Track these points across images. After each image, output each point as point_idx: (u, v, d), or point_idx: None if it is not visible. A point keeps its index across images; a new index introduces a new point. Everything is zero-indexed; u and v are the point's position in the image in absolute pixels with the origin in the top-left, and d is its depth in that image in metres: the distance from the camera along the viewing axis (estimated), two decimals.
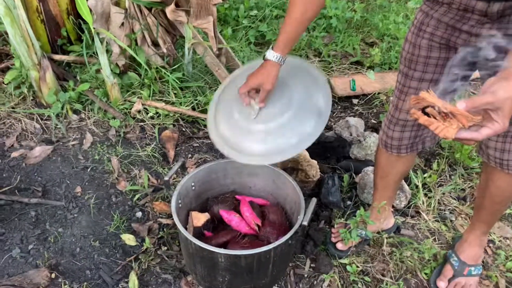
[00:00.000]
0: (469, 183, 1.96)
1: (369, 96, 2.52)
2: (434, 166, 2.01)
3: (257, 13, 2.96)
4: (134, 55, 1.93)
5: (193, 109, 2.24)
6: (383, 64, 2.75)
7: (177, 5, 1.95)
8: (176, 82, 2.23)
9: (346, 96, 2.51)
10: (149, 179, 1.92)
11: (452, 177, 1.99)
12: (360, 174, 1.92)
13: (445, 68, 1.29)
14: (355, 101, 2.52)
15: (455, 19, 1.19)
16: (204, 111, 2.23)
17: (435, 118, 0.85)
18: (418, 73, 1.32)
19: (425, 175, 1.96)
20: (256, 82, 1.36)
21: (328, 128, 2.32)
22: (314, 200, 1.39)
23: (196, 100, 2.26)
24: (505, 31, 1.11)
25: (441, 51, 1.27)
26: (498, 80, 0.85)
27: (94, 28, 1.98)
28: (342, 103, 2.50)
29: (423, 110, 0.87)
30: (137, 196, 1.84)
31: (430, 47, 1.28)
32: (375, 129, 2.28)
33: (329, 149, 2.06)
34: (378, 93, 2.53)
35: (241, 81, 1.41)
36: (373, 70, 2.69)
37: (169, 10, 1.92)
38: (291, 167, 1.87)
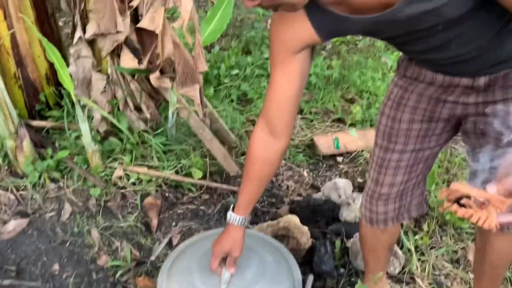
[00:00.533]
0: (461, 244, 1.94)
1: (353, 154, 2.52)
2: (425, 227, 1.99)
3: (239, 72, 2.99)
4: (116, 122, 1.88)
5: (177, 172, 2.19)
6: (364, 121, 2.78)
7: (161, 72, 1.94)
8: (159, 146, 2.18)
9: (331, 154, 2.51)
10: (131, 252, 1.82)
11: (443, 238, 1.97)
12: (352, 240, 1.87)
13: (426, 137, 1.27)
14: (339, 159, 2.52)
15: (439, 92, 1.17)
16: (188, 174, 2.18)
17: (470, 207, 0.81)
18: (400, 146, 1.27)
19: (416, 237, 1.93)
20: (223, 250, 1.26)
21: (315, 188, 2.29)
22: (311, 278, 1.33)
23: (180, 163, 2.20)
24: (492, 98, 1.10)
25: (423, 123, 1.24)
26: None
27: (75, 95, 1.93)
28: (327, 162, 2.49)
29: (456, 201, 0.83)
30: (119, 273, 1.73)
31: (412, 120, 1.24)
32: (362, 188, 2.26)
33: (318, 212, 2.02)
34: (362, 151, 2.53)
35: (196, 248, 1.34)
36: (355, 127, 2.71)
37: (154, 77, 1.90)
38: (282, 234, 1.82)
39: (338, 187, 2.08)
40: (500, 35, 0.98)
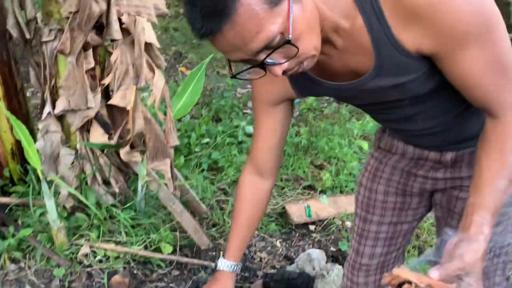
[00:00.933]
0: None
1: (325, 222, 2.53)
2: None
3: (209, 141, 3.01)
4: (83, 199, 1.84)
5: (146, 247, 2.12)
6: (334, 187, 2.82)
7: (132, 146, 1.93)
8: (128, 220, 2.12)
9: (303, 223, 2.51)
10: None
11: None
12: None
13: (403, 211, 1.30)
14: (312, 227, 2.51)
15: (410, 165, 1.21)
16: (158, 249, 2.11)
17: None
18: (377, 217, 1.30)
19: None
20: None
21: (289, 259, 2.26)
22: None
23: (149, 238, 2.14)
24: (459, 175, 1.14)
25: (397, 196, 1.27)
26: (462, 242, 0.84)
27: (41, 170, 1.89)
28: (300, 231, 2.48)
29: (399, 286, 0.84)
30: None
31: (387, 192, 1.28)
32: (335, 258, 2.24)
33: (293, 286, 1.97)
34: (334, 218, 2.54)
35: None
36: (325, 194, 2.74)
37: (124, 152, 1.90)
38: None
39: (312, 258, 2.06)
40: (464, 114, 1.02)
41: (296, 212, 2.54)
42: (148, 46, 1.87)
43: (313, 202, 2.64)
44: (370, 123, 3.37)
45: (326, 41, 0.87)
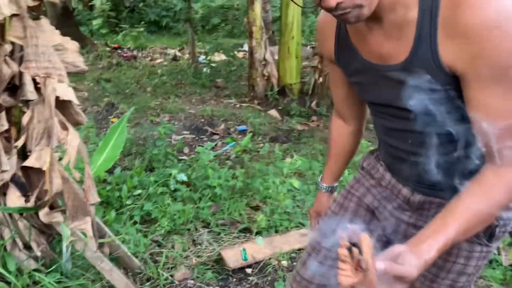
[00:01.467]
0: None
1: (262, 264, 2.54)
2: None
3: (142, 192, 2.97)
4: (1, 269, 1.73)
5: None
6: (269, 228, 2.85)
7: (52, 207, 1.87)
8: (54, 285, 2.02)
9: (240, 267, 2.50)
10: None
11: None
12: None
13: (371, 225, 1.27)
14: (248, 270, 2.51)
15: (382, 195, 1.24)
16: None
17: (352, 259, 0.81)
18: None
19: None
20: (315, 211, 1.51)
21: None
22: None
23: None
24: (422, 224, 1.09)
25: (366, 216, 1.27)
26: (407, 254, 0.84)
27: None
28: (236, 275, 2.47)
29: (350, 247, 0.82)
30: None
31: (356, 211, 1.29)
32: None
33: None
34: (270, 259, 2.56)
35: None
36: (261, 235, 2.77)
37: (43, 213, 1.83)
38: None
39: None
40: (452, 163, 0.99)
41: (232, 257, 2.54)
42: (66, 103, 1.86)
43: (249, 244, 2.65)
44: (298, 162, 3.48)
45: (376, 16, 0.90)
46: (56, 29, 1.87)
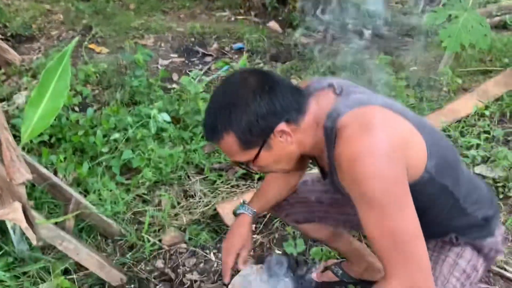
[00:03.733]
0: None
1: (266, 218, 2.12)
2: None
3: (118, 137, 2.47)
4: None
5: None
6: None
7: None
8: (3, 274, 1.62)
9: None
10: None
11: None
12: None
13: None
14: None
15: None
16: None
17: None
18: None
19: None
20: (234, 248, 1.35)
21: None
22: None
23: None
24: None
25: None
26: None
27: None
28: None
29: None
30: None
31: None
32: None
33: None
34: None
35: None
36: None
37: None
38: None
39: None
40: None
41: (231, 212, 2.11)
42: None
43: (250, 195, 2.20)
44: None
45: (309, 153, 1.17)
46: None
